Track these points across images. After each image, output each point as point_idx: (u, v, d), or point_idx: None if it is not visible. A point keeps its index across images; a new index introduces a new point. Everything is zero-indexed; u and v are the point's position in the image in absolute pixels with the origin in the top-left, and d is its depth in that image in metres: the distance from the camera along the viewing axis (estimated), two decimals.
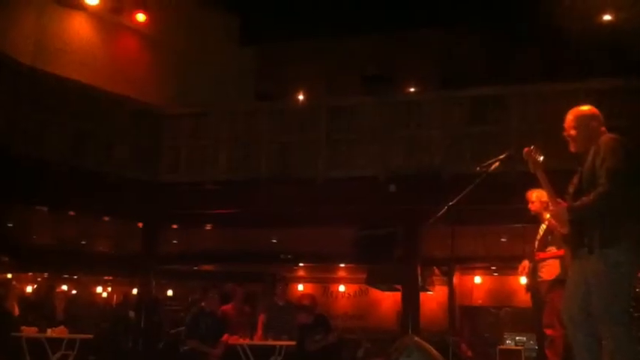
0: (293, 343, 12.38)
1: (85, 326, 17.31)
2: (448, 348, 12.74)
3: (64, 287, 28.32)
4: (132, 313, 19.12)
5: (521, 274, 9.61)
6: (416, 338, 7.51)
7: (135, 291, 21.59)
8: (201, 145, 15.70)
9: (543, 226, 9.28)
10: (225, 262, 24.19)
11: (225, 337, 12.42)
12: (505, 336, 20.70)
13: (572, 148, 6.05)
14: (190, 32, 19.04)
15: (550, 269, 9.04)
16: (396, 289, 17.06)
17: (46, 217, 16.90)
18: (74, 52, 16.76)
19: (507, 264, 19.85)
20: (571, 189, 5.95)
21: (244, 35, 21.38)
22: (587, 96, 11.46)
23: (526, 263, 9.41)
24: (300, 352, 12.25)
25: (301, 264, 24.31)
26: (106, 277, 30.79)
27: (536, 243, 9.38)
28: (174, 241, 20.10)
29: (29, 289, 27.89)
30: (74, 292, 29.55)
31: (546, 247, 9.17)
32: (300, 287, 27.17)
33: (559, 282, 8.30)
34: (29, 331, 13.84)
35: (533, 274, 9.33)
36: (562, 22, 16.64)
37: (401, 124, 14.56)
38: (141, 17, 17.20)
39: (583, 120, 6.00)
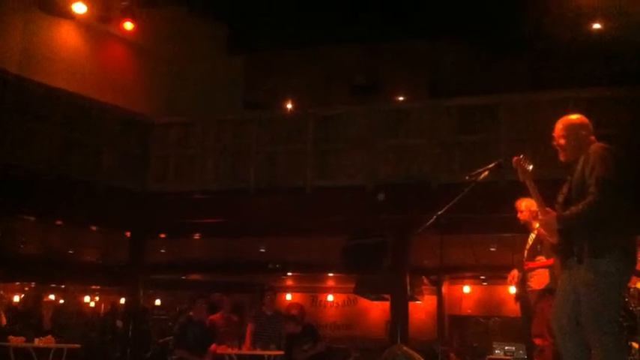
0: (281, 352, 12.39)
1: (73, 336, 17.33)
2: (437, 358, 12.76)
3: (52, 297, 28.43)
4: (119, 323, 19.13)
5: (511, 284, 9.58)
6: (404, 348, 7.50)
7: (122, 300, 21.53)
8: (190, 155, 15.66)
9: (532, 236, 9.26)
10: (213, 271, 24.19)
11: (213, 346, 12.40)
12: (494, 346, 20.67)
13: (562, 157, 6.03)
14: (179, 41, 18.99)
15: (539, 279, 9.03)
16: (385, 299, 17.05)
17: (34, 226, 16.81)
18: (62, 61, 16.69)
19: (496, 273, 19.86)
20: (560, 198, 5.92)
21: (233, 44, 21.37)
22: (577, 105, 11.50)
23: (515, 273, 9.39)
24: None
25: (289, 273, 24.27)
26: (93, 287, 30.71)
27: (526, 252, 9.36)
28: (162, 251, 20.06)
29: (16, 298, 27.87)
30: (61, 301, 29.58)
31: (535, 257, 9.16)
32: (289, 297, 27.15)
33: (548, 291, 8.30)
34: (17, 340, 13.82)
35: (522, 284, 9.32)
36: (551, 31, 16.67)
37: (389, 133, 14.55)
38: (129, 26, 17.05)
39: (572, 129, 5.97)
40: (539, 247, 9.09)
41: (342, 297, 27.02)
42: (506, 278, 9.69)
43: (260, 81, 21.86)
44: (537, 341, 8.92)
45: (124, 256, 16.57)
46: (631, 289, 9.50)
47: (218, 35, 21.14)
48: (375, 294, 19.19)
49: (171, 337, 13.43)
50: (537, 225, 8.26)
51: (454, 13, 18.37)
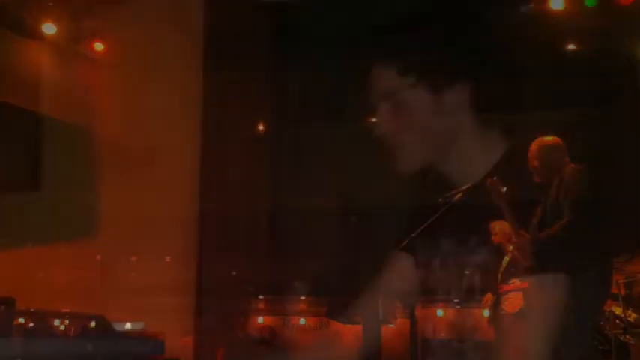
0: None
1: None
2: None
3: (21, 320, 28.13)
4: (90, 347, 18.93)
5: (484, 307, 9.52)
6: None
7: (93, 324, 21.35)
8: None
9: (506, 258, 9.20)
10: None
11: None
12: None
13: (536, 179, 5.97)
14: (151, 62, 18.92)
15: (513, 302, 8.94)
16: (357, 322, 16.98)
17: None
18: (31, 82, 16.59)
19: (470, 296, 19.82)
20: (534, 220, 5.86)
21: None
22: (552, 126, 11.48)
23: (489, 296, 9.32)
24: None
25: (260, 296, 24.14)
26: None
27: (499, 275, 9.30)
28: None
29: None
30: (31, 325, 29.30)
31: (509, 280, 9.10)
32: (260, 320, 27.04)
33: (522, 315, 8.23)
34: None
35: (496, 307, 9.25)
36: (526, 51, 16.69)
37: (362, 154, 14.49)
38: (99, 46, 16.99)
39: (547, 150, 5.92)
40: (513, 269, 9.03)
41: (313, 320, 26.92)
42: (480, 301, 9.62)
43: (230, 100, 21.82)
44: None
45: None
46: (606, 312, 9.48)
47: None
48: (347, 317, 19.15)
49: None
50: (511, 247, 8.20)
51: (427, 30, 18.39)
